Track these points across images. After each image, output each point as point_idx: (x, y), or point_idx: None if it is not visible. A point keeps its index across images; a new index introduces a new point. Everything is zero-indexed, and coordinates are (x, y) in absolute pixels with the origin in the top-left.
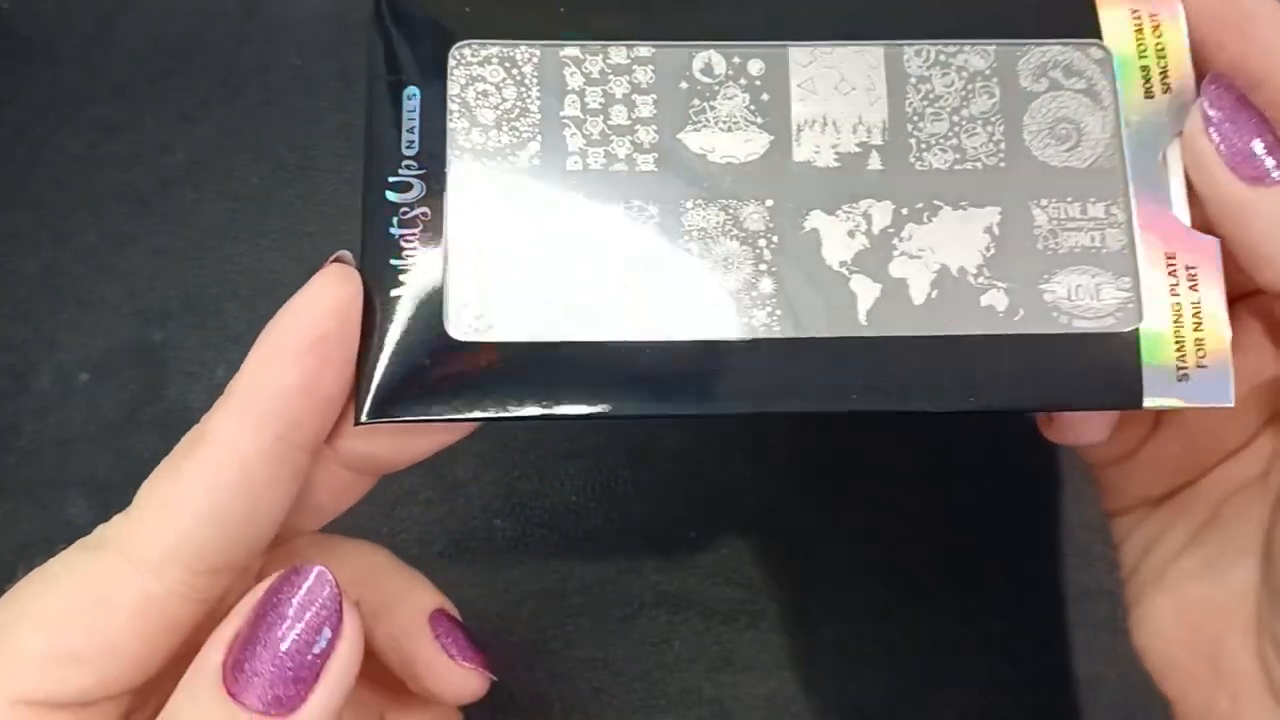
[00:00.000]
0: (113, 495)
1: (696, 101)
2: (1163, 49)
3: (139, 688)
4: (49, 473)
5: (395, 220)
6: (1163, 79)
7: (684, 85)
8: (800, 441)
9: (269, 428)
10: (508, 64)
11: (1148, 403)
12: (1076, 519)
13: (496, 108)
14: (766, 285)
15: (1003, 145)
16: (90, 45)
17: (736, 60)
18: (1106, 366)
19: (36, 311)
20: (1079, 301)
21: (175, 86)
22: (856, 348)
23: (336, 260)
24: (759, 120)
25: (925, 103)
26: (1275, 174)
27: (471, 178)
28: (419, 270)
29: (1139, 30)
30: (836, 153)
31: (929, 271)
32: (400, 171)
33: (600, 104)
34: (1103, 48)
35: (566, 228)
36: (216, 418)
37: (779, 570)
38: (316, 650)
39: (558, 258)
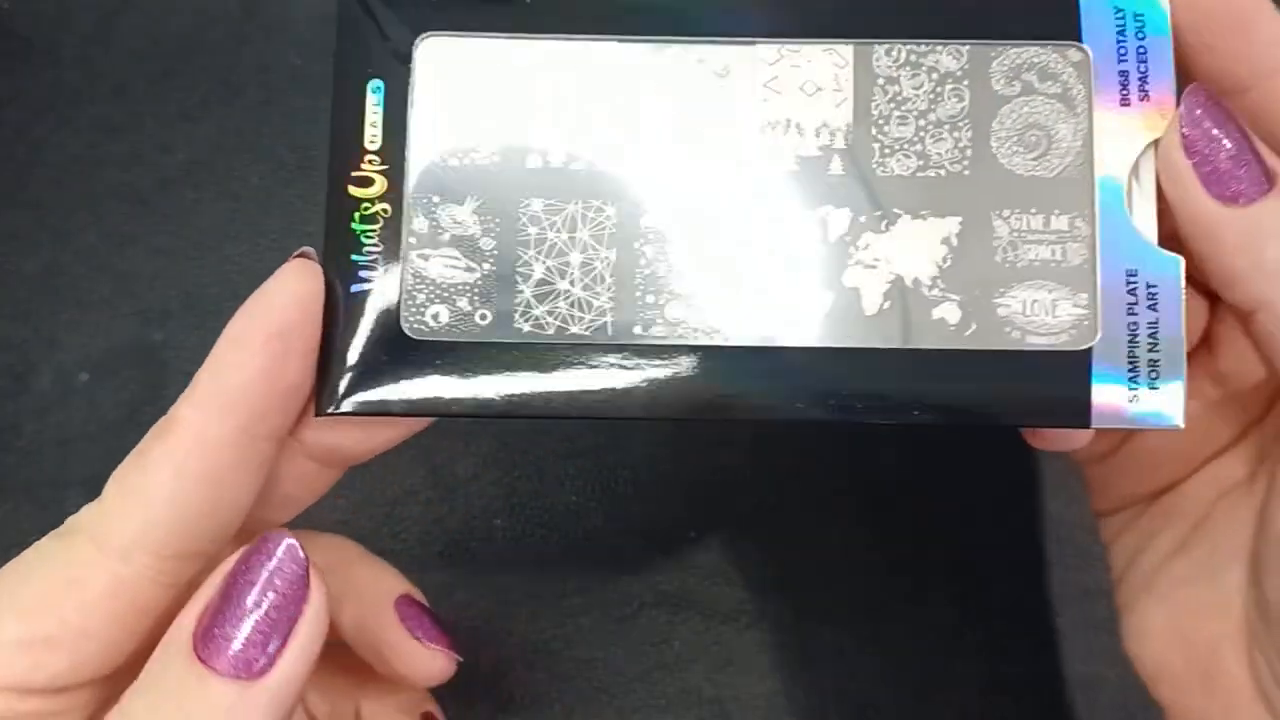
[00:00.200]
0: None
1: (658, 100)
2: (1145, 53)
3: (112, 674)
4: (49, 473)
5: (357, 215)
6: (1141, 85)
7: (649, 80)
8: (800, 442)
9: (232, 417)
10: (473, 58)
11: (1096, 423)
12: (1076, 519)
13: (459, 102)
14: (720, 290)
15: (968, 152)
16: (90, 45)
17: (702, 57)
18: (1057, 384)
19: (36, 311)
20: (1033, 317)
21: (175, 86)
22: (804, 357)
23: (300, 255)
24: (723, 119)
25: (892, 105)
26: (1249, 193)
27: (433, 174)
28: (379, 266)
29: (1121, 31)
30: (797, 156)
31: (883, 282)
32: (363, 166)
33: (564, 99)
34: (1082, 49)
35: (525, 227)
36: (182, 407)
37: (779, 570)
38: (284, 617)
39: (516, 256)
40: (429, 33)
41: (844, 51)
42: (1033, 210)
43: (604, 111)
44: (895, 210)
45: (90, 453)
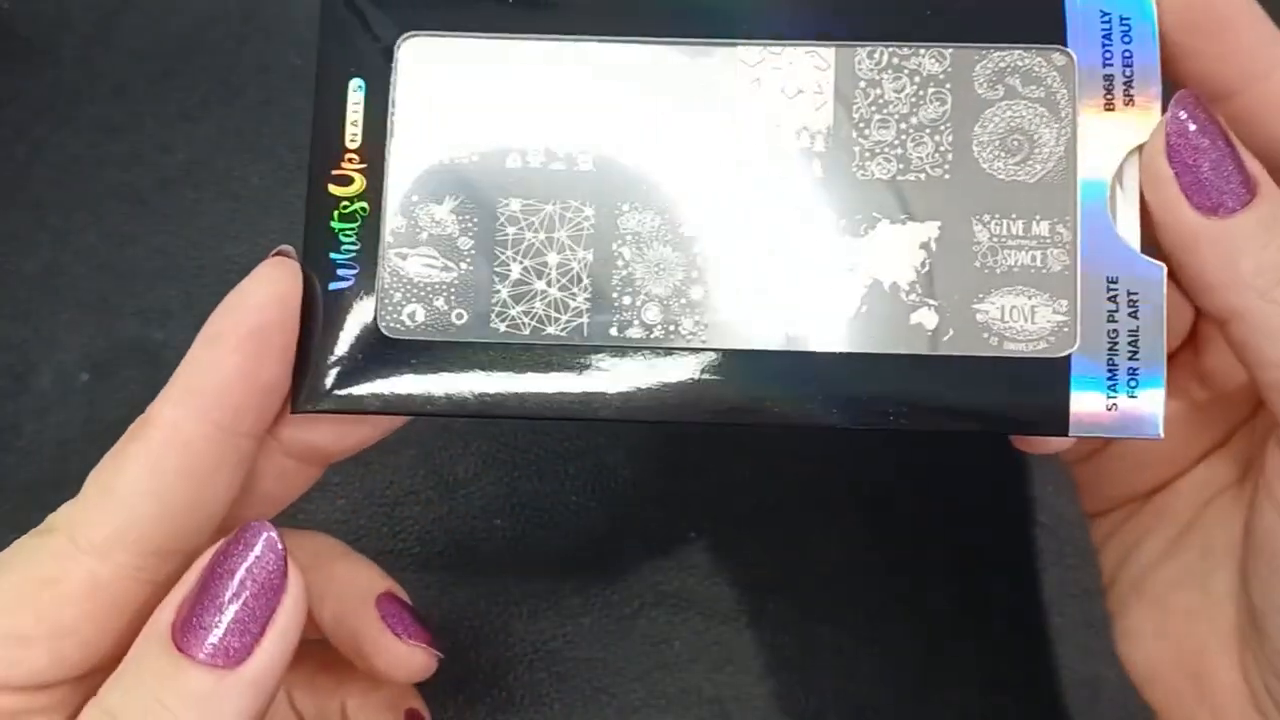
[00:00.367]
0: None
1: (641, 100)
2: (1130, 56)
3: (92, 671)
4: (49, 473)
5: (336, 214)
6: (1126, 90)
7: (629, 83)
8: (800, 442)
9: (210, 414)
10: (455, 57)
11: (1074, 431)
12: (1076, 518)
13: (440, 102)
14: (696, 293)
15: (949, 156)
16: (90, 45)
17: (686, 59)
18: (1035, 392)
19: (36, 311)
20: (1012, 324)
21: (175, 86)
22: (780, 361)
23: (278, 253)
24: (706, 119)
25: (873, 109)
26: (1228, 204)
27: (412, 173)
28: (357, 265)
29: (1107, 35)
30: (779, 159)
31: (860, 286)
32: (343, 165)
33: (545, 99)
34: (1066, 53)
35: (503, 227)
36: (160, 404)
37: (779, 570)
38: (262, 607)
39: (493, 256)
40: (412, 32)
41: (826, 54)
42: (1013, 215)
43: (584, 112)
44: (875, 214)
45: (90, 453)
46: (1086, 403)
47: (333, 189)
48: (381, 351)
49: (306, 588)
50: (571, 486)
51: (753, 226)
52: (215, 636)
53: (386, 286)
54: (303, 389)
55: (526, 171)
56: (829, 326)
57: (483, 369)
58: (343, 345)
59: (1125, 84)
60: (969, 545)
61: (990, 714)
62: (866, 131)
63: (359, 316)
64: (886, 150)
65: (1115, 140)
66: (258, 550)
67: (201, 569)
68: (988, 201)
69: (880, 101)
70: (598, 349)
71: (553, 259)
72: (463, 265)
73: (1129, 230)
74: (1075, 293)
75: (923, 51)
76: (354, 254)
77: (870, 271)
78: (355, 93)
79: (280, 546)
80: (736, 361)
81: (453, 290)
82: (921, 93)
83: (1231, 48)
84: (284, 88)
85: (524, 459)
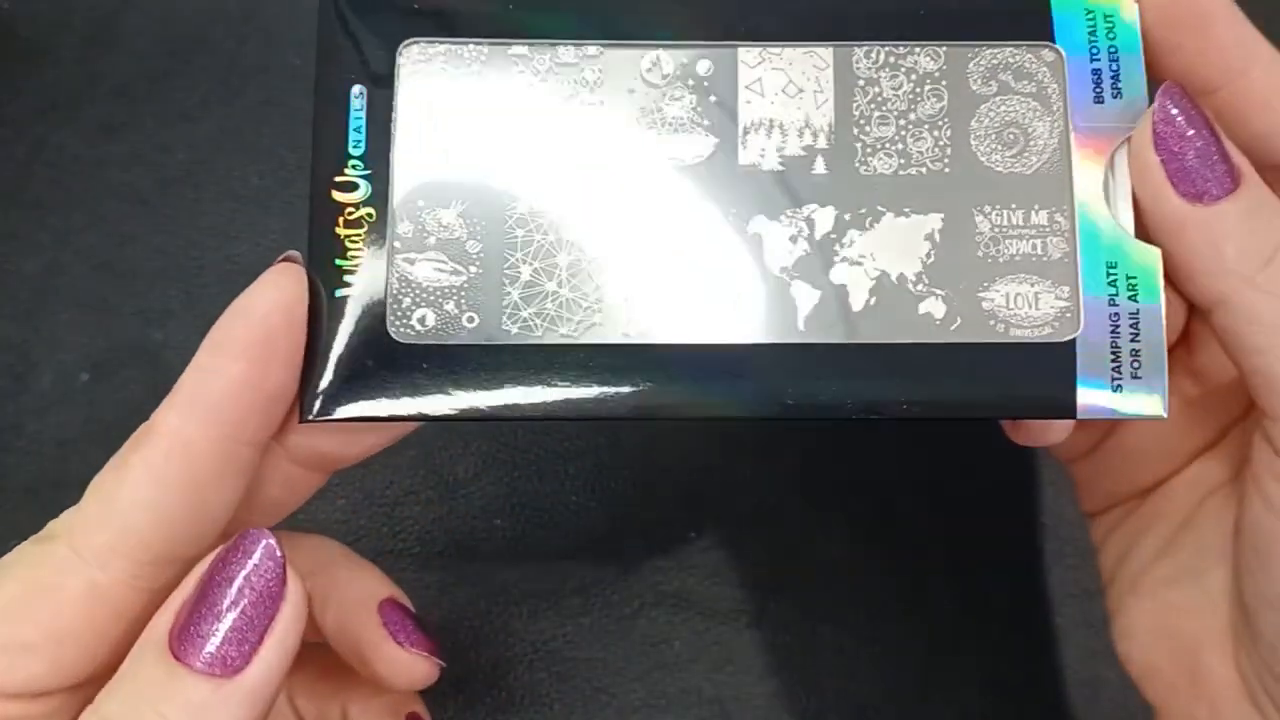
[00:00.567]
0: None
1: (644, 102)
2: (1116, 52)
3: (91, 678)
4: (49, 473)
5: (341, 220)
6: (1114, 83)
7: (632, 85)
8: (800, 442)
9: (214, 423)
10: (456, 62)
11: (1081, 414)
12: (1076, 519)
13: (444, 107)
14: (707, 290)
15: (949, 150)
16: (90, 45)
17: (685, 60)
18: (1042, 376)
19: (36, 311)
20: (1017, 310)
21: (176, 86)
22: (794, 354)
23: (285, 259)
24: (705, 122)
25: (873, 106)
26: (1213, 192)
27: (417, 178)
28: (363, 271)
29: (1093, 32)
30: (781, 156)
31: (869, 278)
32: (346, 171)
33: (548, 102)
34: (1055, 49)
35: (512, 229)
36: (163, 413)
37: (779, 570)
38: (260, 615)
39: (502, 260)
40: (412, 38)
41: (824, 54)
42: (1013, 206)
43: (587, 114)
44: (879, 208)
45: (90, 453)
46: (1092, 384)
47: (337, 195)
48: (392, 357)
49: (305, 595)
50: (571, 486)
51: (759, 223)
52: (213, 645)
53: (395, 292)
54: (312, 397)
55: (533, 174)
56: (841, 319)
57: (496, 372)
58: (353, 352)
59: (1113, 78)
60: (969, 545)
61: (990, 714)
62: (867, 128)
63: (368, 323)
64: (888, 146)
65: (1106, 132)
66: (256, 558)
67: (199, 576)
68: (988, 193)
69: (879, 99)
70: (611, 348)
71: (563, 259)
72: (472, 269)
73: (1124, 218)
74: (1076, 278)
75: (918, 50)
76: (361, 260)
77: (878, 264)
78: (357, 99)
79: (279, 554)
80: (754, 356)
81: (463, 294)
82: (919, 90)
83: (1211, 44)
84: (284, 88)
85: (524, 459)
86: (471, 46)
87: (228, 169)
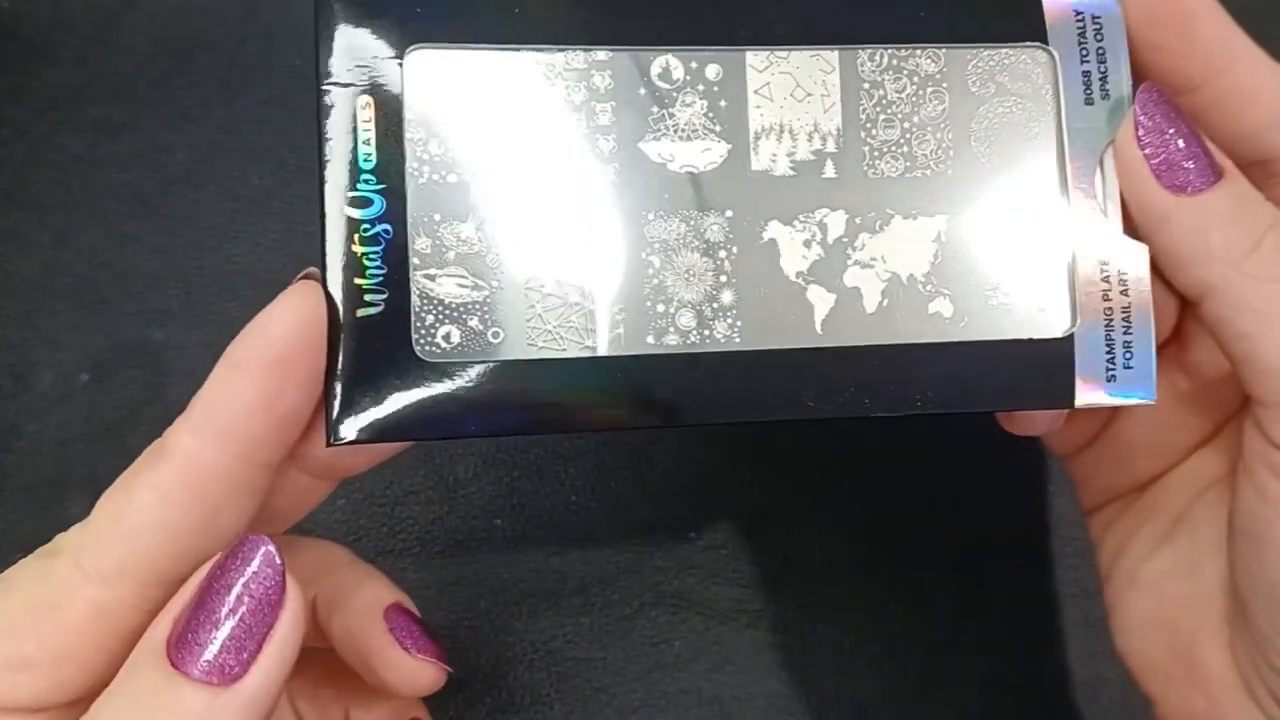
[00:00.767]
0: None
1: (655, 109)
2: (1103, 53)
3: (91, 694)
4: (49, 473)
5: (356, 237)
6: (1102, 84)
7: (642, 91)
8: (800, 442)
9: (229, 445)
10: (463, 70)
11: (1079, 403)
12: (1076, 518)
13: (454, 116)
14: (727, 297)
15: (951, 151)
16: (90, 45)
17: (694, 65)
18: (1042, 369)
19: (36, 311)
20: (1018, 307)
21: (176, 86)
22: (812, 358)
23: (305, 277)
24: (717, 128)
25: (878, 109)
26: (1197, 184)
27: (432, 191)
28: (384, 290)
29: (1081, 33)
30: (792, 161)
31: (880, 280)
32: (359, 186)
33: (558, 110)
34: (1048, 51)
35: (529, 243)
36: (177, 431)
37: (779, 570)
38: (259, 623)
39: (521, 274)
40: (417, 45)
41: (830, 57)
42: (1012, 205)
43: (598, 121)
44: (888, 210)
45: (90, 453)
46: (1088, 374)
47: (351, 212)
48: (419, 376)
49: (304, 603)
50: (571, 486)
51: (774, 228)
52: (210, 653)
53: (418, 309)
54: (340, 421)
55: (549, 183)
56: (854, 321)
57: (525, 387)
58: (378, 372)
59: (1101, 78)
60: (969, 545)
61: (990, 714)
62: (874, 131)
63: (392, 342)
64: (894, 149)
65: (1096, 132)
66: (255, 565)
67: (198, 584)
68: (988, 192)
69: (884, 101)
70: (637, 358)
71: (583, 271)
72: (494, 283)
73: (1114, 215)
74: (1072, 275)
75: (919, 52)
76: (381, 278)
77: (888, 265)
78: (364, 110)
79: (278, 561)
80: (772, 361)
81: (486, 309)
82: (921, 92)
83: (1194, 42)
84: (284, 88)
85: (524, 459)
86: (478, 52)
87: (228, 169)
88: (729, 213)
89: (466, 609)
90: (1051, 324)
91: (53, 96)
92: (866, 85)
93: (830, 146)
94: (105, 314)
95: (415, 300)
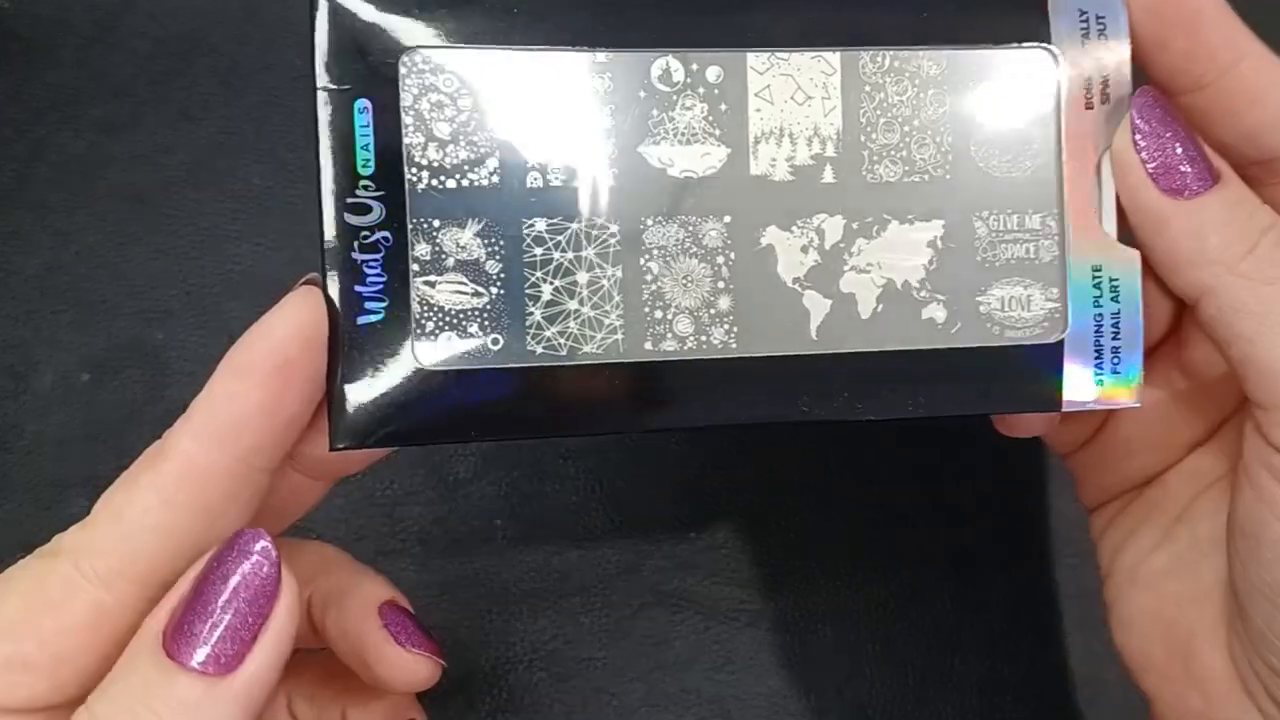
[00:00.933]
0: None
1: (655, 111)
2: (1106, 56)
3: (88, 695)
4: (49, 473)
5: (356, 245)
6: (1103, 89)
7: (642, 94)
8: (800, 442)
9: (229, 449)
10: (461, 72)
11: (1067, 407)
12: (1077, 519)
13: (452, 120)
14: (724, 303)
15: (950, 156)
16: (90, 45)
17: (694, 67)
18: (1032, 373)
19: (37, 311)
20: (1011, 313)
21: (176, 86)
22: (808, 363)
23: (306, 283)
24: (717, 132)
25: (879, 112)
26: (1194, 187)
27: (431, 198)
28: (384, 298)
29: (1085, 34)
30: (791, 166)
31: (876, 286)
32: (358, 193)
33: (557, 114)
34: (1051, 53)
35: (530, 248)
36: (177, 435)
37: (779, 570)
38: (254, 615)
39: (523, 279)
40: (413, 47)
41: (831, 59)
42: (1009, 210)
43: (598, 124)
44: (885, 216)
45: (90, 453)
46: (1076, 380)
47: (350, 219)
48: (420, 382)
49: (299, 595)
50: (571, 486)
51: (771, 233)
52: (206, 644)
53: (418, 316)
54: (342, 426)
55: (548, 190)
56: (850, 327)
57: (524, 393)
58: (379, 379)
59: (1102, 82)
60: (970, 545)
61: (990, 714)
62: (873, 135)
63: (393, 349)
64: (892, 153)
65: (1095, 135)
66: (251, 557)
67: (194, 576)
68: (985, 198)
69: (885, 104)
70: (635, 364)
71: (583, 277)
72: (493, 289)
73: (1109, 221)
74: (1064, 281)
75: (921, 54)
76: (381, 285)
77: (884, 272)
78: (361, 114)
79: (274, 554)
80: (770, 366)
81: (486, 315)
82: (921, 95)
83: (1200, 41)
84: (284, 88)
85: (524, 459)
86: (476, 55)
87: (228, 169)
88: (727, 218)
89: (466, 609)
90: (1043, 329)
91: (53, 96)
92: (868, 88)
93: (830, 151)
94: (105, 314)
95: (415, 307)
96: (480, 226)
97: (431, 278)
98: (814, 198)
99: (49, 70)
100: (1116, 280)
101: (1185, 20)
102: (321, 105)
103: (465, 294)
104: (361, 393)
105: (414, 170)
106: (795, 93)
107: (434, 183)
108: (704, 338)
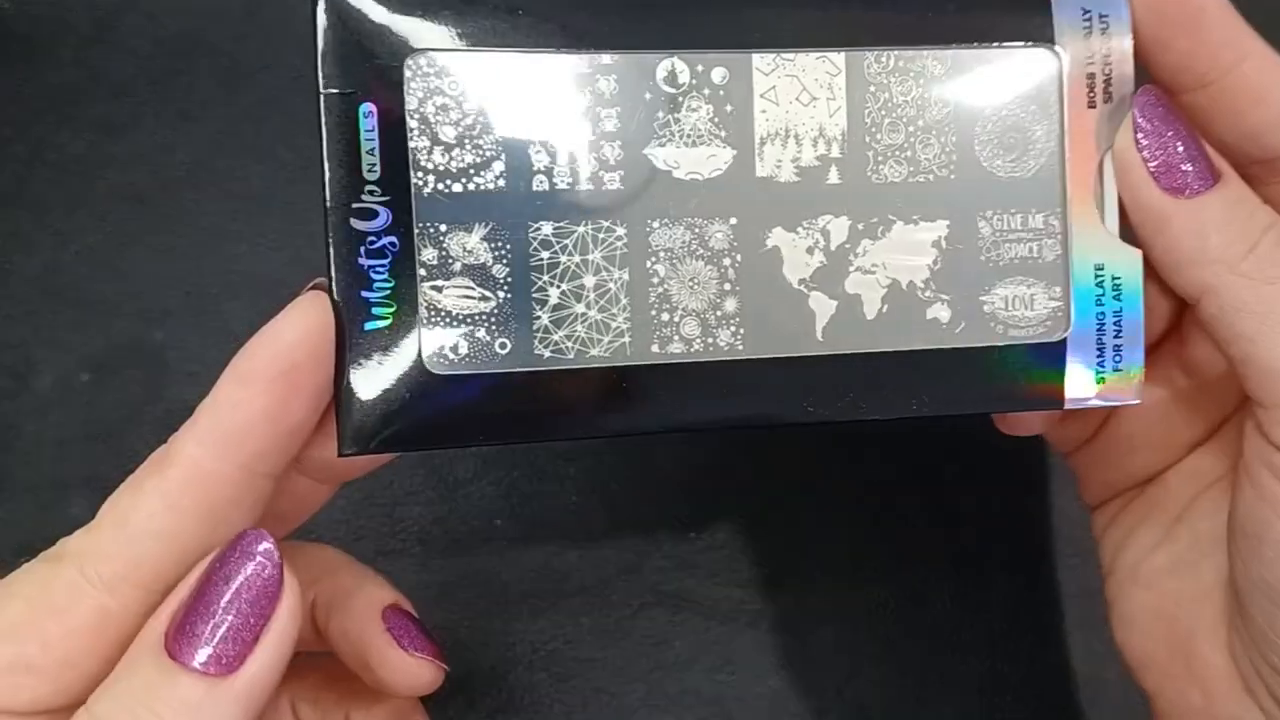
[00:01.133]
0: None
1: (661, 113)
2: (1109, 55)
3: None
4: (49, 473)
5: (363, 250)
6: (1106, 88)
7: (648, 96)
8: (800, 442)
9: (234, 454)
10: (466, 75)
11: (1069, 405)
12: (1077, 518)
13: (458, 124)
14: (730, 305)
15: (954, 156)
16: (90, 45)
17: (700, 68)
18: (1036, 372)
19: (37, 311)
20: (1014, 312)
21: (176, 86)
22: (814, 365)
23: (313, 288)
24: (723, 134)
25: (884, 112)
26: (1195, 186)
27: (437, 202)
28: (392, 303)
29: (1087, 33)
30: (797, 167)
31: (880, 287)
32: (363, 198)
33: (562, 116)
34: (1055, 53)
35: (537, 251)
36: (182, 440)
37: (779, 570)
38: (256, 615)
39: (529, 283)
40: (418, 50)
41: (836, 59)
42: (1012, 210)
43: (604, 127)
44: (890, 216)
45: (90, 453)
46: (1078, 378)
47: (356, 224)
48: (428, 387)
49: (301, 596)
50: (571, 486)
51: (777, 235)
52: (208, 644)
53: (425, 321)
54: (350, 432)
55: (554, 193)
56: (855, 328)
57: (532, 397)
58: (387, 384)
59: (1105, 81)
60: (969, 545)
61: (990, 714)
62: (878, 135)
63: (401, 354)
64: (898, 153)
65: (1097, 135)
66: (254, 559)
67: (197, 577)
68: (990, 198)
69: (890, 105)
70: (642, 367)
71: (589, 280)
72: (500, 293)
73: (1111, 220)
74: (1067, 280)
75: (925, 54)
76: (388, 290)
77: (889, 272)
78: (366, 119)
79: (276, 556)
80: (776, 368)
81: (493, 320)
82: (926, 95)
83: (1203, 40)
84: (284, 88)
85: (524, 459)
86: (481, 57)
87: (228, 169)
88: (733, 220)
89: (466, 609)
90: (1046, 328)
91: (53, 96)
92: (873, 88)
93: (835, 152)
94: (105, 314)
95: (423, 312)
96: (487, 230)
97: (438, 282)
98: (819, 199)
99: (49, 70)
100: (1118, 279)
101: (1188, 19)
102: (325, 110)
103: (472, 298)
104: (369, 398)
105: (420, 174)
106: (800, 94)
107: (440, 187)
108: (711, 340)
